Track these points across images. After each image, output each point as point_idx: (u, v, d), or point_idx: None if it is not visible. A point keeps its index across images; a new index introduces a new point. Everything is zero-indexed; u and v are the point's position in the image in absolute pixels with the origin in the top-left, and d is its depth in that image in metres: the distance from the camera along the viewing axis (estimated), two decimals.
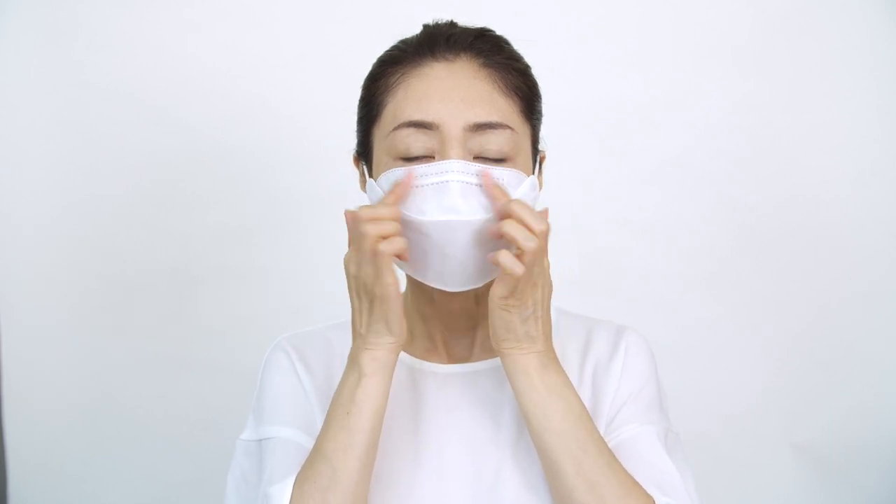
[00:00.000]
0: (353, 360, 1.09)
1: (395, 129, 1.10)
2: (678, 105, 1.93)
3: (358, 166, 1.19)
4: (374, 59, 1.17)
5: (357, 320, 1.09)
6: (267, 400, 1.20)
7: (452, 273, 1.09)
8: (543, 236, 1.05)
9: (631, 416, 1.16)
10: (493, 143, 1.09)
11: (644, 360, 1.21)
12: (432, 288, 1.13)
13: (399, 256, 1.06)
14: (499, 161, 1.09)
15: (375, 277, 1.05)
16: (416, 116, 1.09)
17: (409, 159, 1.09)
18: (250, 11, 1.91)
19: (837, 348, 1.94)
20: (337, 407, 1.08)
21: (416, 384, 1.19)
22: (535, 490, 1.12)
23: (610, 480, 1.06)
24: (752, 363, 1.95)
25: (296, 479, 1.07)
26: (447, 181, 1.06)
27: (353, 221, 1.06)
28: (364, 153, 1.16)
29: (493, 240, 1.07)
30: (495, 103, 1.10)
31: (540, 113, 1.17)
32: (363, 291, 1.07)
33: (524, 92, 1.13)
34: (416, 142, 1.09)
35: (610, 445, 1.12)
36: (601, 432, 1.12)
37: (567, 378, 1.10)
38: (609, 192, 1.94)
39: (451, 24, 1.15)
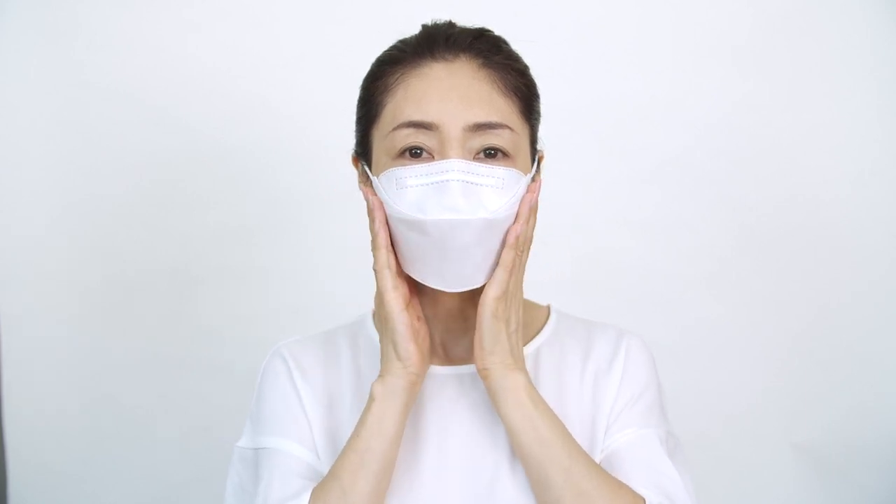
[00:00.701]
0: (371, 386, 1.12)
1: (395, 129, 1.10)
2: (678, 105, 1.92)
3: (357, 166, 1.19)
4: (373, 60, 1.17)
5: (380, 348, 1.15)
6: (263, 410, 1.21)
7: (453, 273, 1.10)
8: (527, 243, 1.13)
9: (631, 420, 1.17)
10: (493, 142, 1.09)
11: (644, 365, 1.21)
12: (431, 289, 1.13)
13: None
14: (498, 161, 1.09)
15: (379, 302, 1.12)
16: (416, 117, 1.09)
17: (409, 159, 1.09)
18: (250, 11, 1.91)
19: (837, 348, 1.93)
20: (352, 430, 1.12)
21: None
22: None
23: (599, 487, 1.07)
24: (752, 363, 1.95)
25: (310, 498, 1.09)
26: (448, 180, 1.06)
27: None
28: (363, 153, 1.16)
29: (493, 240, 1.08)
30: (494, 103, 1.10)
31: (539, 113, 1.17)
32: (380, 320, 1.14)
33: (523, 92, 1.13)
34: (415, 142, 1.09)
35: (610, 449, 1.13)
36: (601, 436, 1.15)
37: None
38: (609, 192, 1.94)
39: (450, 25, 1.15)
